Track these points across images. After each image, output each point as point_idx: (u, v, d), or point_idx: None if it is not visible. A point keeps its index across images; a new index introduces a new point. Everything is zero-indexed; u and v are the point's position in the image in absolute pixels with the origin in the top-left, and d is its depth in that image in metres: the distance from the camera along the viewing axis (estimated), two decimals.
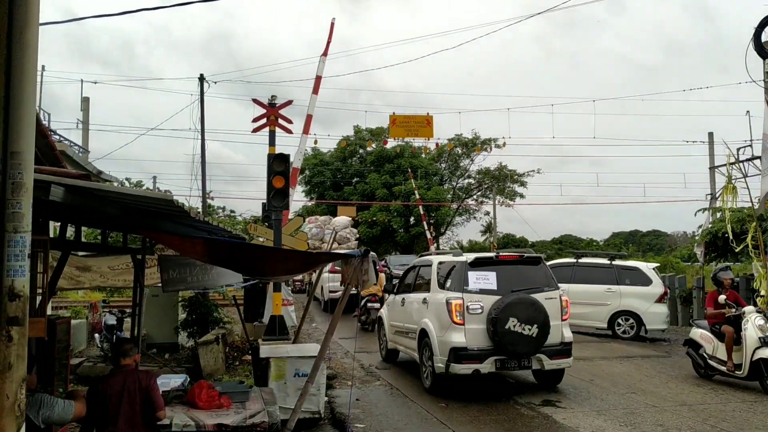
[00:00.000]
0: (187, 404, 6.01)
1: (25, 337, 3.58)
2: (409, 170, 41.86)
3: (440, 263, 10.50)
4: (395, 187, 43.16)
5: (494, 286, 9.50)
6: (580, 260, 17.55)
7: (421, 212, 38.30)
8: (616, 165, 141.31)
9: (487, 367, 9.14)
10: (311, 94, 17.81)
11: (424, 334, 9.96)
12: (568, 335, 9.79)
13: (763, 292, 14.10)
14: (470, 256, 10.13)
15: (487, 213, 48.45)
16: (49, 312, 14.01)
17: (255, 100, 14.05)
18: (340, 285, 16.68)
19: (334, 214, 41.93)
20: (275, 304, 12.35)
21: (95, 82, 40.53)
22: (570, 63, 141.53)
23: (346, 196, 45.04)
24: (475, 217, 49.89)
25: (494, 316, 9.03)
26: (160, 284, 9.15)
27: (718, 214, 19.30)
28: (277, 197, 11.56)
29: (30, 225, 3.53)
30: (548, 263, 11.70)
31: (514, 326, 8.95)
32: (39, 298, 4.95)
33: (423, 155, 43.68)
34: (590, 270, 16.66)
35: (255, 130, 13.96)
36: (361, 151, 46.48)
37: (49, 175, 3.90)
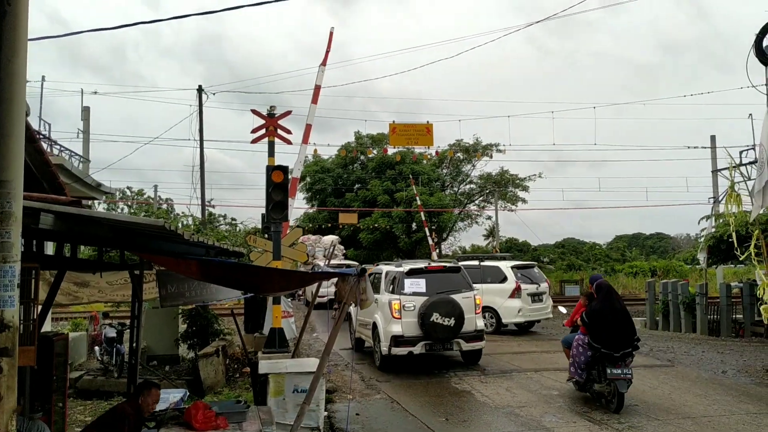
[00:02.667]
0: (184, 425, 5.95)
1: (15, 368, 3.53)
2: (411, 177, 41.83)
3: (387, 272, 13.69)
4: (397, 194, 43.14)
5: (424, 290, 12.58)
6: (482, 262, 19.15)
7: (423, 218, 38.27)
8: (618, 168, 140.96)
9: (418, 349, 12.17)
10: (310, 103, 17.78)
11: (375, 326, 13.04)
12: (480, 325, 12.92)
13: (766, 300, 13.99)
14: (407, 268, 13.15)
15: (489, 217, 48.49)
16: (48, 325, 13.97)
17: (254, 111, 14.04)
18: (335, 298, 17.91)
19: (336, 221, 42.00)
20: (275, 317, 12.34)
21: (95, 92, 40.46)
22: (567, 64, 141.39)
23: (347, 203, 45.04)
24: (477, 222, 49.90)
25: (422, 311, 12.11)
26: (158, 299, 9.10)
27: (721, 219, 19.22)
28: (276, 209, 11.55)
29: (19, 254, 3.48)
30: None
31: (437, 319, 11.97)
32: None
33: (424, 162, 43.69)
34: (470, 271, 17.07)
35: (254, 141, 13.96)
36: (362, 157, 46.44)
37: (38, 201, 3.86)
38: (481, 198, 48.90)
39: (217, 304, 15.53)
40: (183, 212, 38.71)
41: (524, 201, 47.17)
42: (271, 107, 13.74)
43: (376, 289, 13.10)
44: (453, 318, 12.01)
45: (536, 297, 18.45)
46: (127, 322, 13.43)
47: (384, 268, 14.24)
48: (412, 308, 12.32)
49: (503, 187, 46.29)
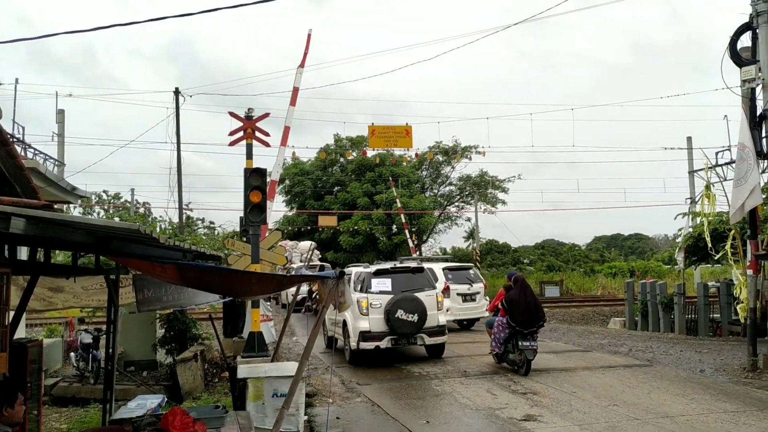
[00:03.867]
0: None
1: None
2: (391, 179, 41.82)
3: (356, 272, 14.54)
4: (377, 196, 43.09)
5: (389, 288, 13.43)
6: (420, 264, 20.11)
7: (403, 221, 38.27)
8: (596, 170, 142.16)
9: (384, 343, 13.08)
10: (289, 105, 17.68)
11: (345, 323, 13.82)
12: (442, 320, 13.87)
13: (742, 299, 14.15)
14: (374, 268, 14.22)
15: (468, 219, 48.58)
16: (23, 332, 13.75)
17: (232, 113, 13.94)
18: (307, 296, 21.87)
19: (315, 224, 41.87)
20: (254, 321, 12.24)
21: (70, 95, 39.87)
22: (545, 66, 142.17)
23: (327, 206, 44.92)
24: (457, 224, 49.99)
25: (388, 308, 12.98)
26: (135, 304, 8.97)
27: (698, 219, 19.43)
28: (254, 212, 11.45)
29: None
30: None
31: (402, 315, 12.89)
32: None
33: (404, 164, 43.71)
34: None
35: (232, 144, 13.86)
36: (341, 159, 46.34)
37: (9, 206, 3.76)
38: (460, 199, 48.99)
39: (195, 309, 15.37)
40: (160, 216, 38.41)
41: (504, 203, 47.40)
42: (248, 109, 13.64)
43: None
44: (416, 314, 12.96)
45: (468, 297, 19.31)
46: (104, 327, 13.23)
47: (353, 269, 15.26)
48: (379, 306, 13.19)
49: (483, 189, 46.42)
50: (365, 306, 13.23)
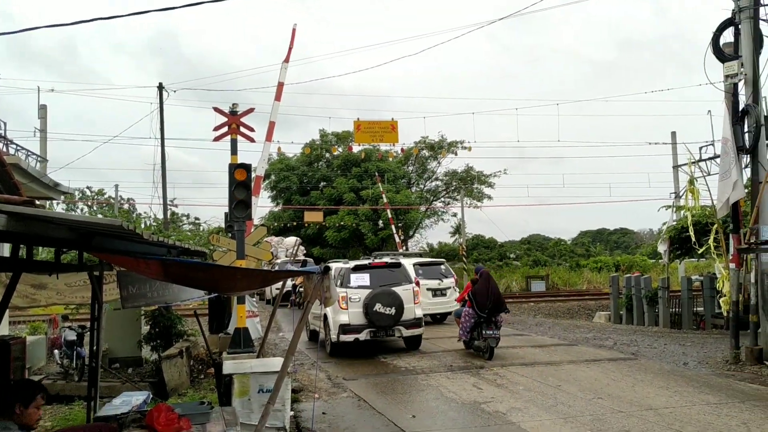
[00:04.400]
0: (146, 428, 5.82)
1: None
2: (377, 174, 41.78)
3: (336, 268, 14.86)
4: (363, 191, 43.05)
5: (368, 283, 14.14)
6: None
7: (389, 216, 38.26)
8: (581, 165, 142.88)
9: (363, 336, 13.73)
10: (274, 101, 17.62)
11: (325, 317, 14.40)
12: (419, 313, 14.53)
13: (725, 293, 14.28)
14: (353, 264, 14.87)
15: (455, 214, 48.60)
16: (6, 329, 13.63)
17: (216, 109, 13.84)
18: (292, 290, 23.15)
19: (301, 219, 41.81)
20: (239, 317, 12.21)
21: (52, 90, 39.43)
22: (529, 60, 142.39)
23: (313, 201, 44.84)
24: (443, 219, 50.00)
25: (366, 302, 13.63)
26: (119, 300, 8.91)
27: (682, 213, 19.58)
28: (239, 208, 11.42)
29: None
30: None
31: (379, 309, 13.52)
32: None
33: (390, 159, 43.69)
34: None
35: (217, 139, 13.76)
36: (327, 155, 46.24)
37: None
38: (446, 195, 49.01)
39: (180, 305, 15.32)
40: (145, 212, 38.19)
41: (489, 197, 47.43)
42: (233, 105, 13.56)
43: None
44: (394, 307, 13.64)
45: (438, 292, 19.77)
46: (88, 324, 13.16)
47: (334, 265, 15.54)
48: (358, 300, 13.82)
49: (469, 184, 46.45)
50: (344, 299, 13.86)
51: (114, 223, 3.91)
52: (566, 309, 29.48)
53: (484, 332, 13.22)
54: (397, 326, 13.92)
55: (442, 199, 49.31)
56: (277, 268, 21.91)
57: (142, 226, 31.30)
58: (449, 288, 20.02)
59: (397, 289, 14.04)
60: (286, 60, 18.03)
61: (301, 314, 5.67)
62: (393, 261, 16.00)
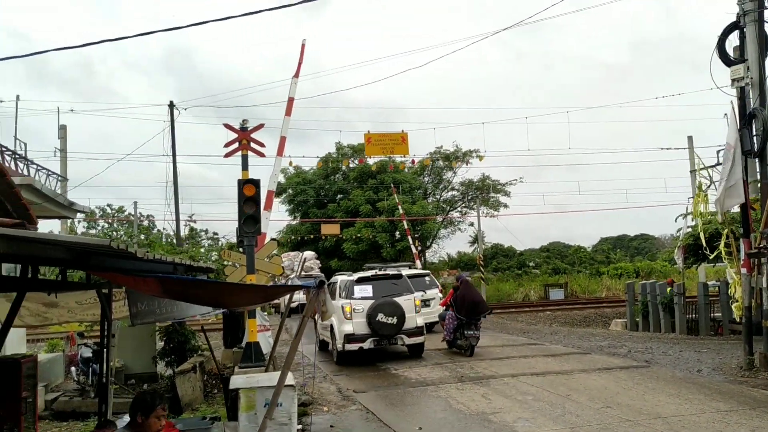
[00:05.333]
0: None
1: None
2: (392, 186, 41.85)
3: (341, 280, 15.86)
4: (379, 203, 43.10)
5: (371, 294, 14.81)
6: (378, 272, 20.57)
7: (406, 227, 38.29)
8: (596, 171, 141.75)
9: (367, 344, 14.32)
10: (284, 116, 17.76)
11: (332, 327, 14.94)
12: (420, 322, 15.10)
13: (738, 298, 14.14)
14: (356, 276, 15.60)
15: (471, 224, 48.43)
16: (24, 347, 13.84)
17: (226, 125, 14.00)
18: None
19: (319, 232, 41.95)
20: (250, 331, 12.28)
21: (72, 110, 40.11)
22: (539, 68, 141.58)
23: (330, 214, 44.97)
24: (460, 229, 49.87)
25: (369, 312, 14.19)
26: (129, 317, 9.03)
27: (694, 221, 19.44)
28: (249, 223, 11.53)
29: None
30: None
31: (382, 318, 14.10)
32: None
33: (404, 170, 43.76)
34: None
35: (227, 155, 13.90)
36: (343, 167, 46.41)
37: None
38: (463, 204, 48.90)
39: (194, 320, 15.47)
40: (164, 228, 38.53)
41: (506, 206, 47.24)
42: (243, 121, 13.70)
43: (333, 296, 15.27)
44: (396, 317, 14.21)
45: (422, 303, 19.41)
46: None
47: (339, 277, 16.63)
48: (361, 310, 14.40)
49: (485, 193, 46.31)
50: (349, 311, 14.50)
51: (102, 243, 4.02)
52: (583, 317, 29.29)
53: (465, 332, 14.93)
54: (400, 335, 14.57)
55: (459, 209, 49.21)
56: (289, 283, 22.13)
57: (163, 242, 31.61)
58: (433, 299, 20.45)
59: (399, 300, 14.62)
60: (296, 75, 18.18)
61: (296, 330, 5.74)
62: (395, 272, 16.49)
